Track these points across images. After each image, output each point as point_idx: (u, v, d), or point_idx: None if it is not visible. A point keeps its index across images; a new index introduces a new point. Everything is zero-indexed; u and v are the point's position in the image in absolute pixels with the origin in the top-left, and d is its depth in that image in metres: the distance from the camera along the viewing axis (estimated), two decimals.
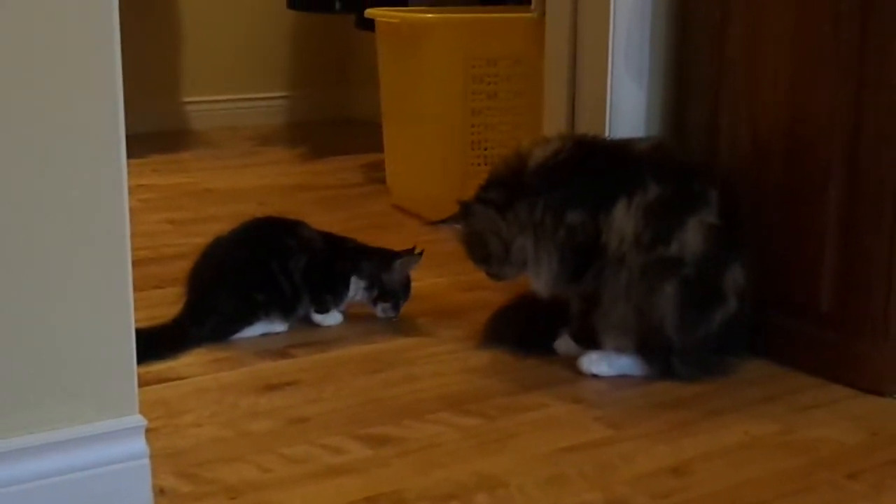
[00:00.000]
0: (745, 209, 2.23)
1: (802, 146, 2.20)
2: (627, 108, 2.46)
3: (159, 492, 1.71)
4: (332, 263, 2.47)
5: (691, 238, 2.10)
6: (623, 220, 2.11)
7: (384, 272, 2.47)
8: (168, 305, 2.39)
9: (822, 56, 2.15)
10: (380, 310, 2.49)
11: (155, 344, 2.22)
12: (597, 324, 2.18)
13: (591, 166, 2.19)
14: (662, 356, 2.16)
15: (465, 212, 2.26)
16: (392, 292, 2.48)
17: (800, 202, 2.22)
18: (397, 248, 2.54)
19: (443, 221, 2.32)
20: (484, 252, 2.25)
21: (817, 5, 2.15)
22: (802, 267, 2.23)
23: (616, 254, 2.11)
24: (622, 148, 2.23)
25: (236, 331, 2.38)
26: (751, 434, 1.97)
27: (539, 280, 2.22)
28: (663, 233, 2.10)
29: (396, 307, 2.49)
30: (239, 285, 2.38)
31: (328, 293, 2.47)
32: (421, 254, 2.51)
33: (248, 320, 2.39)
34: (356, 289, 2.48)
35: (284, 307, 2.42)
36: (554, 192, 2.16)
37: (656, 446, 1.91)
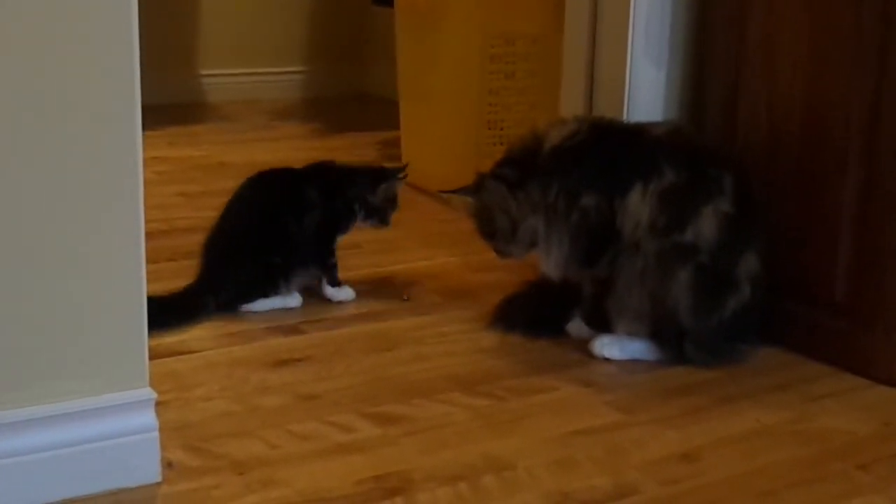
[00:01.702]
0: (761, 196, 2.22)
1: (820, 134, 2.19)
2: (645, 90, 2.44)
3: (167, 465, 1.71)
4: (339, 210, 2.50)
5: (706, 225, 2.09)
6: (638, 206, 2.10)
7: (370, 195, 2.51)
8: (180, 278, 2.38)
9: (842, 43, 2.13)
10: (369, 224, 2.53)
11: (167, 312, 2.21)
12: (610, 308, 2.17)
13: (608, 150, 2.18)
14: (675, 342, 2.16)
15: (478, 185, 2.26)
16: (378, 209, 2.52)
17: (815, 190, 2.20)
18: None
19: (455, 192, 2.32)
20: (491, 228, 2.25)
21: None
22: (817, 255, 2.21)
23: (631, 239, 2.10)
24: (638, 132, 2.22)
25: (252, 299, 2.38)
26: (762, 422, 1.96)
27: (549, 261, 2.21)
28: (678, 220, 2.09)
29: (384, 220, 2.53)
30: (254, 250, 2.39)
31: (329, 254, 2.49)
32: (405, 177, 2.57)
33: (265, 288, 2.39)
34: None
35: (302, 265, 2.43)
36: (568, 175, 2.16)
37: (667, 432, 1.91)
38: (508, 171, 2.23)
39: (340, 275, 2.48)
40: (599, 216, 2.13)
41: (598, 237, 2.14)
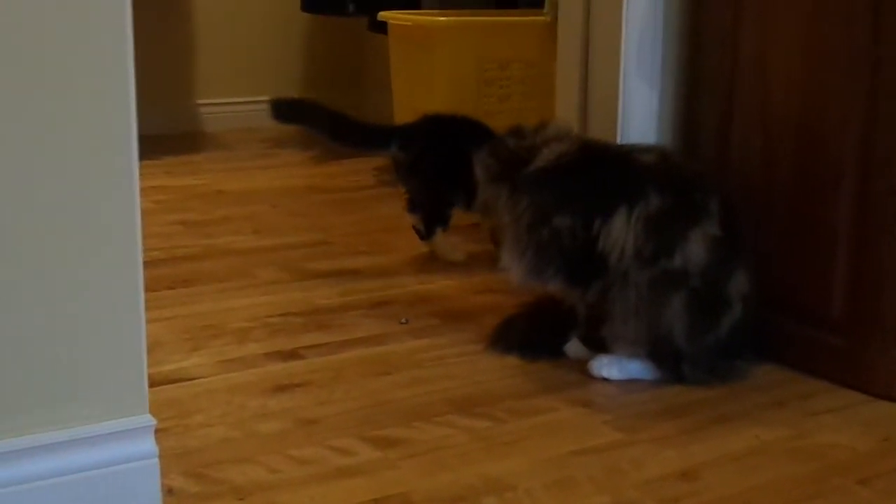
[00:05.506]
0: (745, 216, 2.23)
1: (815, 151, 2.20)
2: (638, 111, 2.46)
3: (168, 491, 1.71)
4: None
5: (694, 250, 2.10)
6: (622, 230, 2.10)
7: None
8: (179, 306, 2.39)
9: (835, 59, 2.14)
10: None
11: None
12: (607, 336, 2.18)
13: (592, 174, 2.20)
14: (672, 362, 2.16)
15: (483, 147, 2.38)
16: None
17: (811, 206, 2.21)
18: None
19: None
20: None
21: (830, 8, 2.14)
22: (814, 272, 2.22)
23: (618, 270, 2.11)
24: (625, 156, 2.23)
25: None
26: (761, 439, 1.96)
27: (512, 268, 2.24)
28: (666, 246, 2.10)
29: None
30: None
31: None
32: None
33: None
34: None
35: None
36: (543, 194, 2.18)
37: (665, 451, 1.91)
38: (492, 164, 2.30)
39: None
40: (573, 239, 2.14)
41: (577, 259, 2.15)
